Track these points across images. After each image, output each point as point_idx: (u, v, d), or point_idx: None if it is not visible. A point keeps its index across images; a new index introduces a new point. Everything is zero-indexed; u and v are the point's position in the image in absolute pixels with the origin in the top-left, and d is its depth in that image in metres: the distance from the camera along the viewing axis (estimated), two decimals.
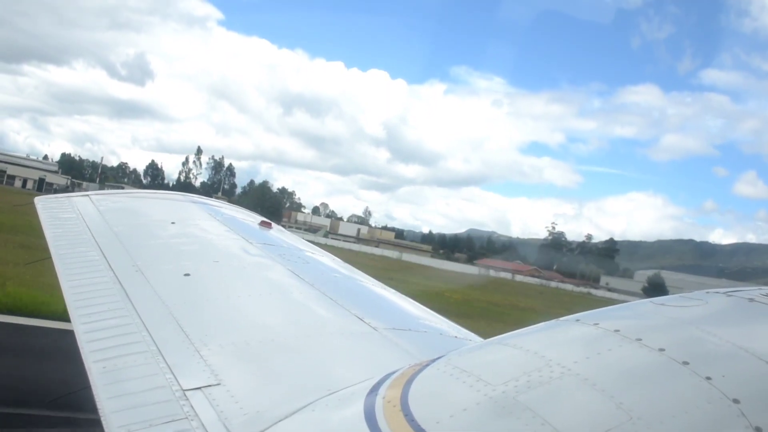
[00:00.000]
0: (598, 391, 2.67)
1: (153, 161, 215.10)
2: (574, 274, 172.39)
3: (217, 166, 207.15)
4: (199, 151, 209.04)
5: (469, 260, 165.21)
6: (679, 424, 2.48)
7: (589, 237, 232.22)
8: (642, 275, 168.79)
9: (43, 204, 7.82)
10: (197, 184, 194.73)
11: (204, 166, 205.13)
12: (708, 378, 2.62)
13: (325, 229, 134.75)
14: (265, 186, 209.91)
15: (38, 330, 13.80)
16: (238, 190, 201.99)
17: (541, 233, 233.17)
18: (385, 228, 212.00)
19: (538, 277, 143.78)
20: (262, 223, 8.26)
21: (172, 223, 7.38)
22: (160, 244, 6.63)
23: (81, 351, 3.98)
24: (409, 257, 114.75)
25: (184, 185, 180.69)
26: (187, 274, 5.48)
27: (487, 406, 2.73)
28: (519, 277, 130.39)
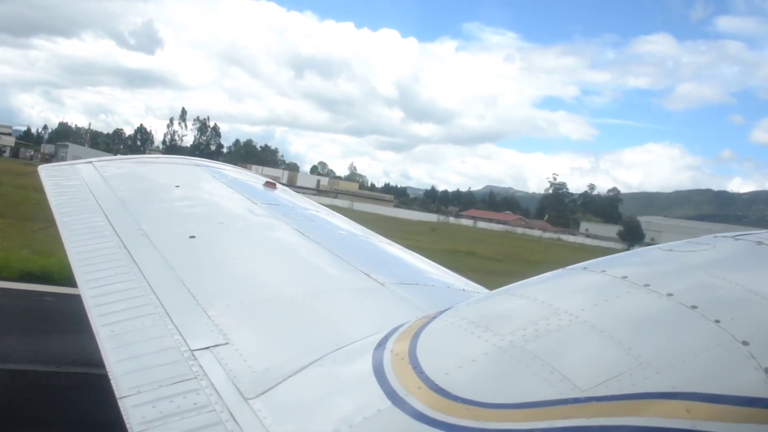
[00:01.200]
0: (606, 337, 2.66)
1: (141, 125, 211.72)
2: (567, 222, 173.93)
3: (203, 127, 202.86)
4: (183, 113, 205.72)
5: (459, 212, 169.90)
6: (689, 367, 2.47)
7: (592, 187, 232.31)
8: (643, 222, 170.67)
9: (47, 172, 7.80)
10: (186, 145, 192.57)
11: (189, 127, 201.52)
12: (717, 321, 2.60)
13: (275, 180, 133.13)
14: (249, 145, 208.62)
15: (47, 295, 13.89)
16: (225, 150, 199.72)
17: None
18: (358, 180, 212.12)
19: (519, 226, 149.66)
20: (267, 184, 8.23)
21: (177, 186, 7.36)
22: (164, 208, 6.62)
23: (89, 315, 3.99)
24: (362, 206, 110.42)
25: (169, 148, 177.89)
26: (192, 237, 5.48)
27: (496, 356, 2.73)
28: (482, 224, 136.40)
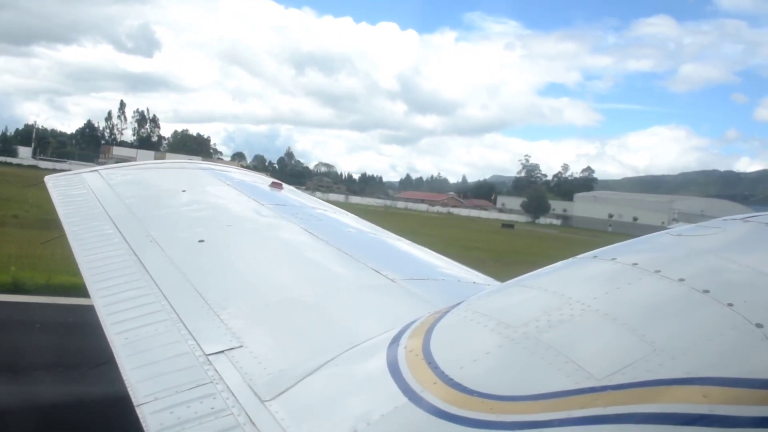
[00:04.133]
0: (619, 325, 2.65)
1: (89, 121, 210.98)
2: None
3: (142, 119, 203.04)
4: (122, 105, 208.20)
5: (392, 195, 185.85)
6: (703, 351, 2.47)
7: (565, 168, 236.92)
8: (580, 197, 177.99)
9: (54, 182, 7.82)
10: (131, 139, 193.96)
11: (129, 120, 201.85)
12: (730, 304, 2.60)
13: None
14: (185, 135, 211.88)
15: (58, 307, 13.98)
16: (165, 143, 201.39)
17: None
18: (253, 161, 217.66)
19: (450, 205, 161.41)
20: (273, 184, 8.23)
21: (183, 191, 7.38)
22: (172, 213, 6.63)
23: (102, 324, 4.00)
24: None
25: (109, 142, 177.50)
26: (201, 241, 5.49)
27: (510, 347, 2.73)
28: (355, 199, 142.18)
